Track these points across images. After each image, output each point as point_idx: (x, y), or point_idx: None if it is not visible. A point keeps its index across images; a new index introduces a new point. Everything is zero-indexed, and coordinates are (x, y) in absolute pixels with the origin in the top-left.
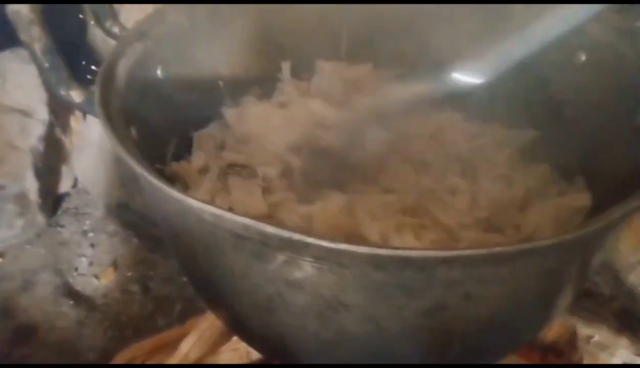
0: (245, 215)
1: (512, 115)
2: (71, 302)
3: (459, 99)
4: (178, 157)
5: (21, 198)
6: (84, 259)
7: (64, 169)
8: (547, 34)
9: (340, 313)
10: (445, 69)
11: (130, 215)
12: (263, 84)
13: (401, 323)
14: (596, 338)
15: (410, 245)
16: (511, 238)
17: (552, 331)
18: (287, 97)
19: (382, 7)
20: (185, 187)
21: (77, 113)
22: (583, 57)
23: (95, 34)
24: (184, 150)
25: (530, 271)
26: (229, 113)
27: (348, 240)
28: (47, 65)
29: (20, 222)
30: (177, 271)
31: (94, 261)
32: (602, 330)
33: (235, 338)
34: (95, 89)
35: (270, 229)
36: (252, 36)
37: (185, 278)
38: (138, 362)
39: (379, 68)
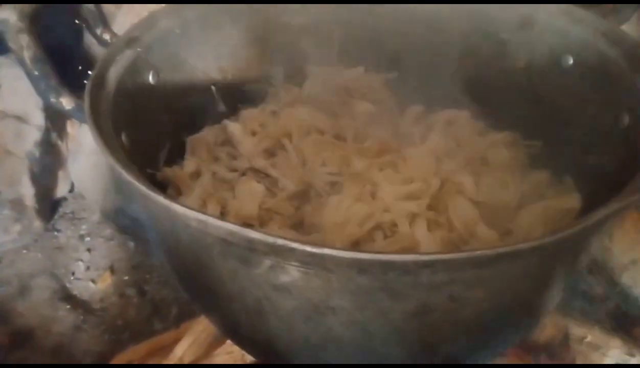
0: (235, 217)
1: (500, 118)
2: (68, 307)
3: None
4: (173, 162)
5: (17, 204)
6: (80, 264)
7: (61, 174)
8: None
9: (328, 317)
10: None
11: (127, 219)
12: (255, 88)
13: (387, 326)
14: (589, 338)
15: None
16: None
17: (545, 331)
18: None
19: (373, 9)
20: (177, 192)
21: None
22: (570, 61)
23: (91, 40)
24: (178, 155)
25: (513, 273)
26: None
27: (330, 245)
28: (36, 73)
29: (16, 227)
30: None
31: (90, 265)
32: (595, 330)
33: (229, 341)
34: (85, 96)
35: (255, 235)
36: (243, 41)
37: None
38: None
39: (370, 72)
